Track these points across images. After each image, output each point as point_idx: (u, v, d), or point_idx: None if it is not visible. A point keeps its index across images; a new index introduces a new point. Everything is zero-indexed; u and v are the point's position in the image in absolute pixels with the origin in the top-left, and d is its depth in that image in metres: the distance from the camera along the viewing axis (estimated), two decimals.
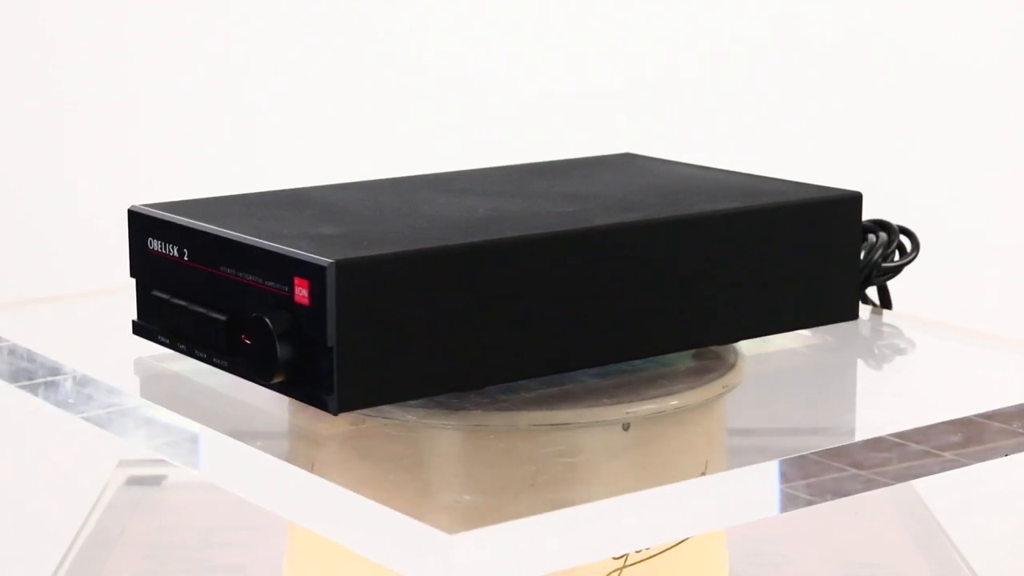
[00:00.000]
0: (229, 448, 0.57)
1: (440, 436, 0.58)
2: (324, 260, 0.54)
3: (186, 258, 0.60)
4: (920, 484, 0.93)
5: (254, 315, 0.56)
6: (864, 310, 0.72)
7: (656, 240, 0.60)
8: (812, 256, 0.64)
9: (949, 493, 1.02)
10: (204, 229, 0.60)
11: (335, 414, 0.55)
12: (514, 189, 0.65)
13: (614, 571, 0.61)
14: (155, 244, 0.62)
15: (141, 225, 0.63)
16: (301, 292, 0.54)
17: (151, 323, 0.62)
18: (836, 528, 0.84)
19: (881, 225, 0.71)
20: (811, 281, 0.64)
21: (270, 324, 0.55)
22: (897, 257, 0.71)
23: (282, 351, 0.55)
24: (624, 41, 1.24)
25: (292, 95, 1.25)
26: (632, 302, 0.60)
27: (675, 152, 0.88)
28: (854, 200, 0.65)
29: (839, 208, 0.65)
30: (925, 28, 1.24)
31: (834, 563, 0.80)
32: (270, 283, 0.56)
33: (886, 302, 0.73)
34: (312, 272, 0.54)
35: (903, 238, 0.72)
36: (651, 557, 0.62)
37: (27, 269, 1.26)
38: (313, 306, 0.54)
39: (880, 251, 0.70)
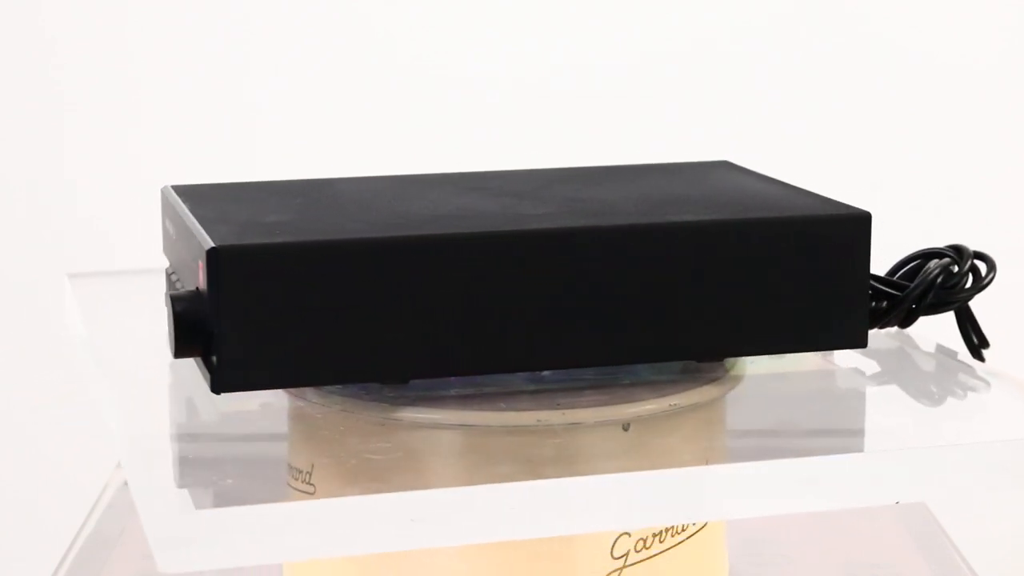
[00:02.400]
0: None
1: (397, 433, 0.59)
2: (209, 244, 0.56)
3: (174, 237, 0.64)
4: None
5: (167, 294, 0.58)
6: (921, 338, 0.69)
7: (600, 247, 0.59)
8: (809, 277, 0.61)
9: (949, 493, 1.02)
10: (180, 211, 0.62)
11: (217, 394, 0.57)
12: (533, 190, 0.65)
13: (614, 571, 0.61)
14: (166, 223, 0.66)
15: (163, 205, 0.67)
16: (201, 275, 0.57)
17: None
18: (836, 528, 0.84)
19: (956, 250, 0.67)
20: (809, 303, 0.61)
21: (172, 303, 0.57)
22: (970, 283, 0.67)
23: (178, 330, 0.57)
24: (624, 41, 1.24)
25: (292, 95, 1.25)
26: (575, 308, 0.59)
27: (676, 153, 0.88)
28: (860, 220, 0.61)
29: (841, 227, 0.61)
30: (925, 28, 1.24)
31: (834, 563, 0.80)
32: (194, 264, 0.58)
33: (970, 332, 0.68)
34: (202, 255, 0.56)
35: (979, 263, 0.67)
36: (651, 557, 0.62)
37: (26, 269, 1.26)
38: (205, 288, 0.56)
39: (938, 274, 0.66)
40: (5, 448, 1.29)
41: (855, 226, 0.61)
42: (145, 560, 0.82)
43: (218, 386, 0.57)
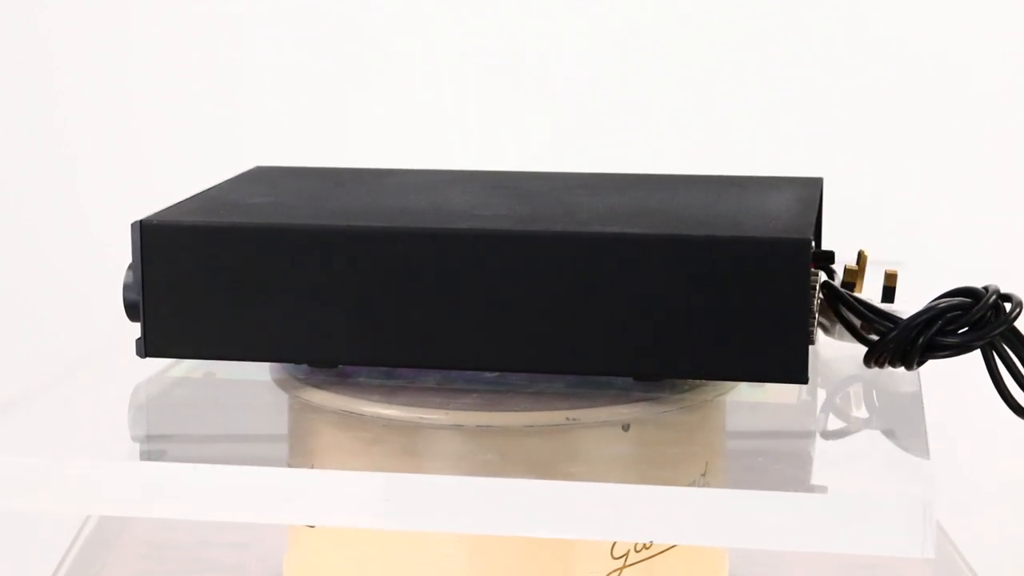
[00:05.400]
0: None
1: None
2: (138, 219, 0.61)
3: None
4: None
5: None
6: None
7: (512, 253, 0.58)
8: (739, 301, 0.57)
9: (949, 493, 1.02)
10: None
11: (141, 357, 0.61)
12: (543, 193, 0.65)
13: (614, 571, 0.61)
14: None
15: None
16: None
17: None
18: None
19: (985, 289, 0.61)
20: (740, 330, 0.57)
21: (125, 272, 0.61)
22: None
23: (125, 298, 0.61)
24: (624, 42, 1.24)
25: (301, 97, 1.25)
26: (503, 311, 0.59)
27: (685, 159, 0.87)
28: (795, 244, 0.57)
29: (773, 252, 0.57)
30: (926, 30, 1.24)
31: (834, 563, 0.80)
32: None
33: (1001, 379, 0.60)
34: None
35: (1006, 305, 0.60)
36: (651, 557, 0.62)
37: (28, 269, 1.26)
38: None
39: (940, 312, 0.60)
40: None
41: (789, 251, 0.57)
42: (145, 560, 0.82)
43: (141, 350, 0.61)
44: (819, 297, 0.62)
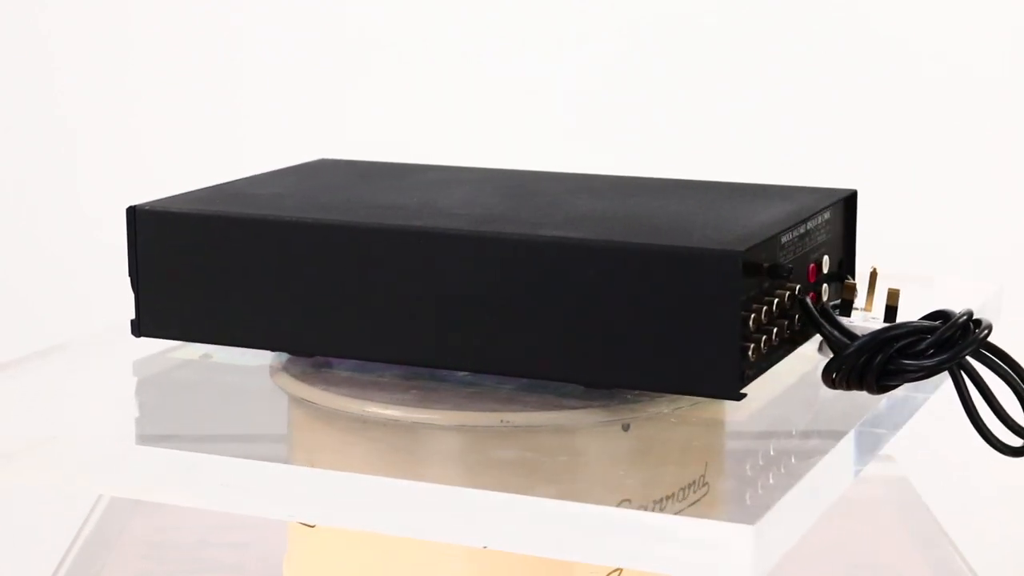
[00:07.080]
0: None
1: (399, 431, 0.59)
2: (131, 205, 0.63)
3: None
4: (920, 484, 0.93)
5: None
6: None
7: (463, 252, 0.59)
8: (670, 313, 0.56)
9: (949, 493, 1.02)
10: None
11: (136, 337, 0.64)
12: (547, 195, 0.65)
13: (614, 571, 0.61)
14: None
15: None
16: None
17: None
18: (836, 528, 0.84)
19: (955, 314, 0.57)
20: (671, 342, 0.56)
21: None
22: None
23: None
24: (624, 44, 1.24)
25: (301, 96, 1.25)
26: (443, 309, 0.59)
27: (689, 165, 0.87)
28: (724, 257, 0.55)
29: (703, 264, 0.55)
30: (928, 31, 1.24)
31: (834, 563, 0.81)
32: None
33: (973, 408, 0.57)
34: None
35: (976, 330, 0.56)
36: None
37: (28, 269, 1.26)
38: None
39: (894, 336, 0.56)
40: None
41: (720, 264, 0.55)
42: (144, 560, 0.82)
43: (140, 331, 0.64)
44: (783, 312, 0.60)
